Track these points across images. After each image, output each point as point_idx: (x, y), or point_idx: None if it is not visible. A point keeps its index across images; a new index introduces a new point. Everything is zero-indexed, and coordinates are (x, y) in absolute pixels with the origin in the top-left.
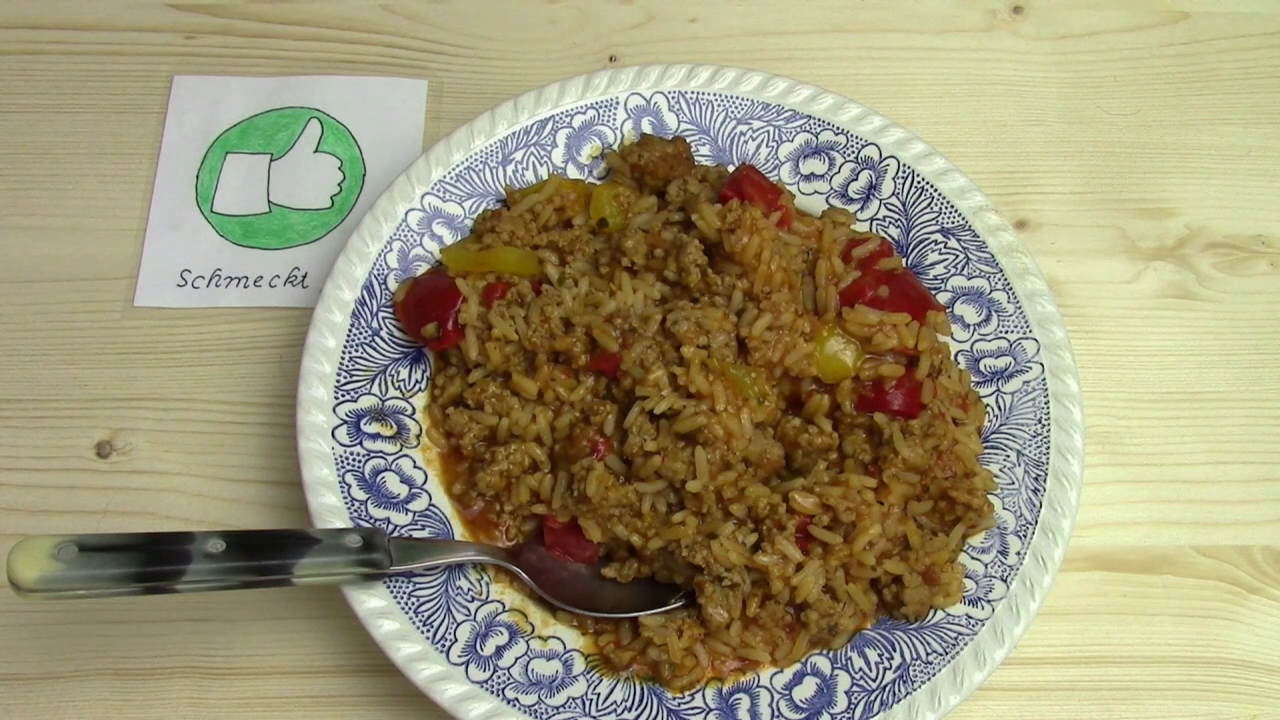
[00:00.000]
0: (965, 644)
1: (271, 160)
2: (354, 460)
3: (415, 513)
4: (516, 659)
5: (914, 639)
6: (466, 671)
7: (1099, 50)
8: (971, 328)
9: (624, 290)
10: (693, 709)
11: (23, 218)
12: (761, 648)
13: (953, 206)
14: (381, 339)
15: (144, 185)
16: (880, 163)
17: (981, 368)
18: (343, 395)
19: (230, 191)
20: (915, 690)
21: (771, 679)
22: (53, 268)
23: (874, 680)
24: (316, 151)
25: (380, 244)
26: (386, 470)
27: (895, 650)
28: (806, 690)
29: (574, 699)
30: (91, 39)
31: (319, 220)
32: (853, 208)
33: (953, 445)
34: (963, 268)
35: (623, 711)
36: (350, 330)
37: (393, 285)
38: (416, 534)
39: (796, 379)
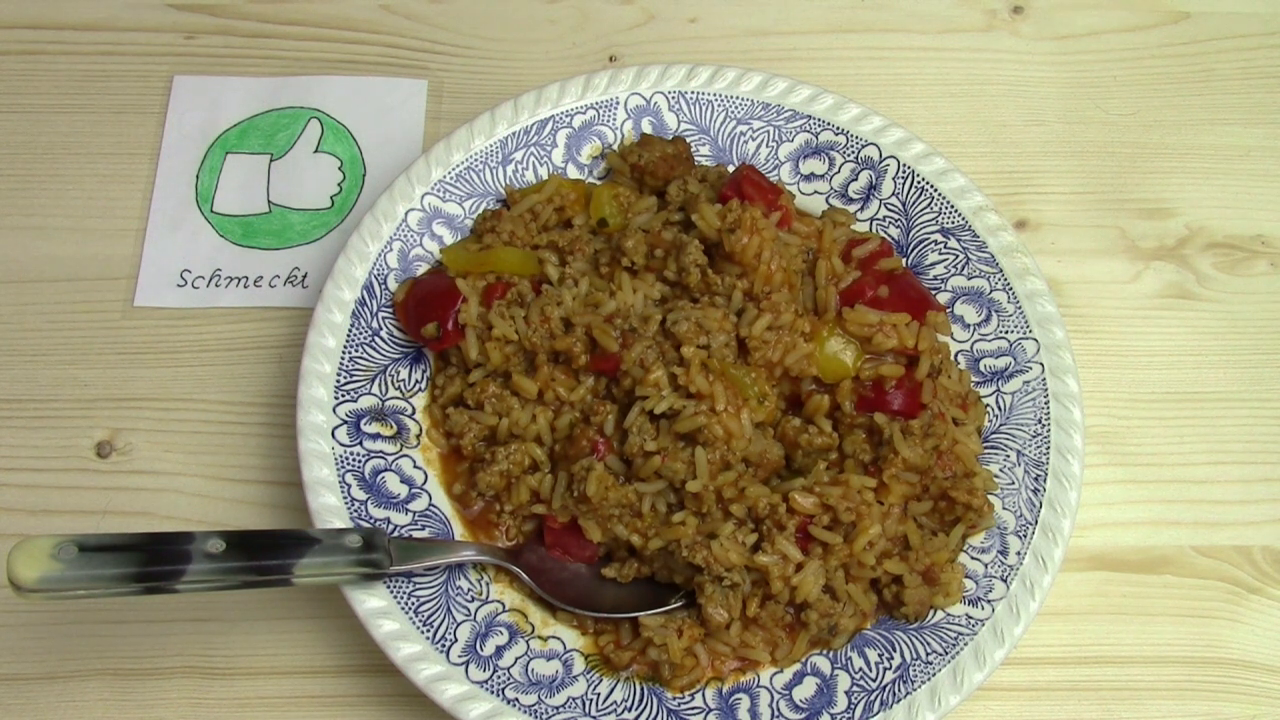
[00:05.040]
0: (965, 644)
1: (271, 160)
2: (354, 460)
3: (415, 513)
4: (516, 659)
5: (914, 639)
6: (466, 671)
7: (1099, 50)
8: (971, 328)
9: (624, 290)
10: (693, 709)
11: (23, 218)
12: (761, 648)
13: (953, 206)
14: (381, 339)
15: (144, 185)
16: (880, 163)
17: (981, 368)
18: (343, 395)
19: (230, 191)
20: (915, 690)
21: (771, 679)
22: (53, 268)
23: (874, 680)
24: (316, 151)
25: (380, 244)
26: (386, 470)
27: (895, 650)
28: (806, 690)
29: (574, 699)
30: (91, 39)
31: (319, 220)
32: (853, 208)
33: (953, 445)
34: (963, 268)
35: (623, 711)
36: (350, 330)
37: (393, 285)
38: (416, 534)
39: (796, 379)
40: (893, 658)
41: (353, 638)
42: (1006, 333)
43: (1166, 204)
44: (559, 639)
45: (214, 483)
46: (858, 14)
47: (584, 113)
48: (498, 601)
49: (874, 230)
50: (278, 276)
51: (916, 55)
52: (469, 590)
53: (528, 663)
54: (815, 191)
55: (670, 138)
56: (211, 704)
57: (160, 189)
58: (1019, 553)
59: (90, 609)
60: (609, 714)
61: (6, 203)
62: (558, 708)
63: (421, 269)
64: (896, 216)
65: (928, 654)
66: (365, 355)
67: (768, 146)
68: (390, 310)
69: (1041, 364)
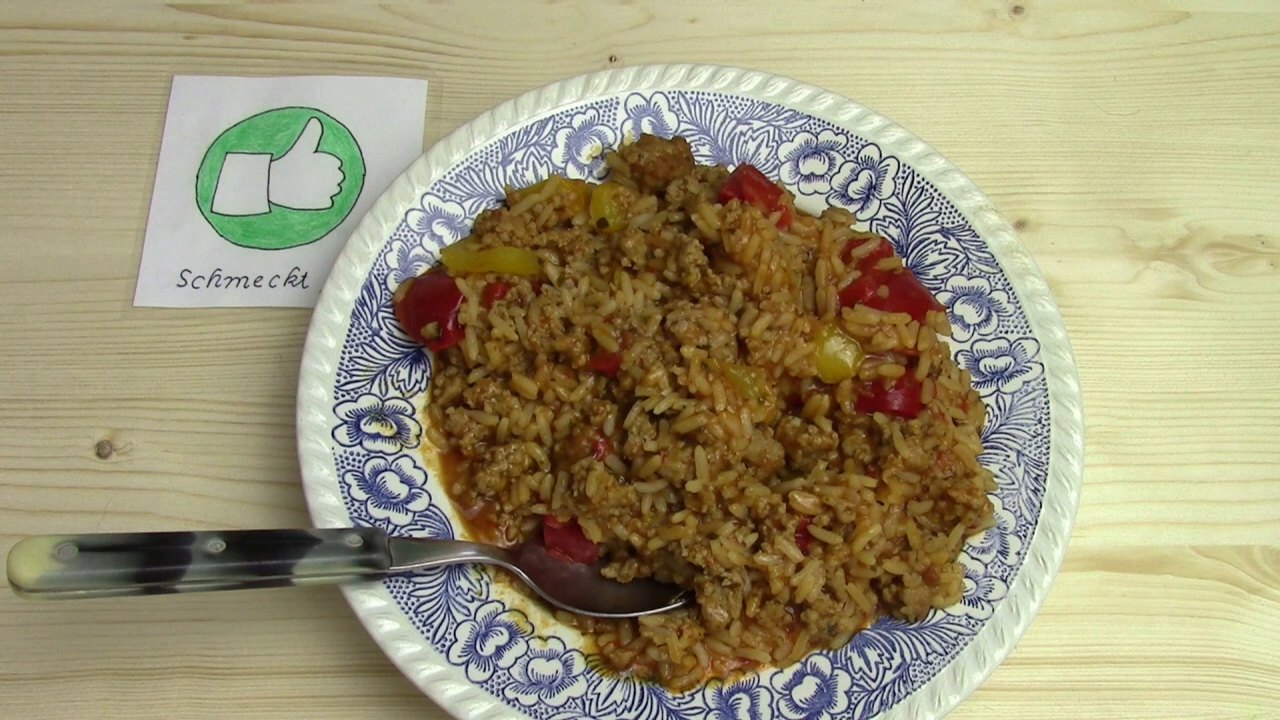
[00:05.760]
0: (965, 644)
1: (271, 160)
2: (354, 460)
3: (415, 513)
4: (516, 659)
5: (914, 639)
6: (466, 671)
7: (1099, 50)
8: (971, 328)
9: (624, 290)
10: (693, 709)
11: (23, 218)
12: (761, 648)
13: (953, 206)
14: (381, 339)
15: (144, 185)
16: (880, 163)
17: (981, 368)
18: (343, 395)
19: (230, 191)
20: (915, 690)
21: (771, 679)
22: (53, 268)
23: (874, 680)
24: (316, 151)
25: (380, 244)
26: (386, 470)
27: (895, 650)
28: (806, 690)
29: (574, 699)
30: (91, 39)
31: (319, 220)
32: (853, 208)
33: (953, 445)
34: (963, 268)
35: (623, 711)
36: (350, 330)
37: (393, 285)
38: (416, 534)
39: (796, 379)
40: (893, 658)
41: (353, 638)
42: (1006, 333)
43: (1166, 204)
44: (559, 639)
45: (214, 483)
46: (858, 14)
47: (584, 113)
48: (498, 601)
49: (874, 230)
50: (278, 276)
51: (916, 55)
52: (469, 590)
53: (528, 663)
54: (815, 191)
55: (670, 138)
56: (211, 704)
57: (160, 189)
58: (1019, 553)
59: (90, 609)
60: (609, 714)
61: (6, 203)
62: (558, 708)
63: (421, 269)
64: (896, 216)
65: (928, 654)
66: (365, 355)
67: (768, 146)
68: (390, 310)
69: (1041, 364)
